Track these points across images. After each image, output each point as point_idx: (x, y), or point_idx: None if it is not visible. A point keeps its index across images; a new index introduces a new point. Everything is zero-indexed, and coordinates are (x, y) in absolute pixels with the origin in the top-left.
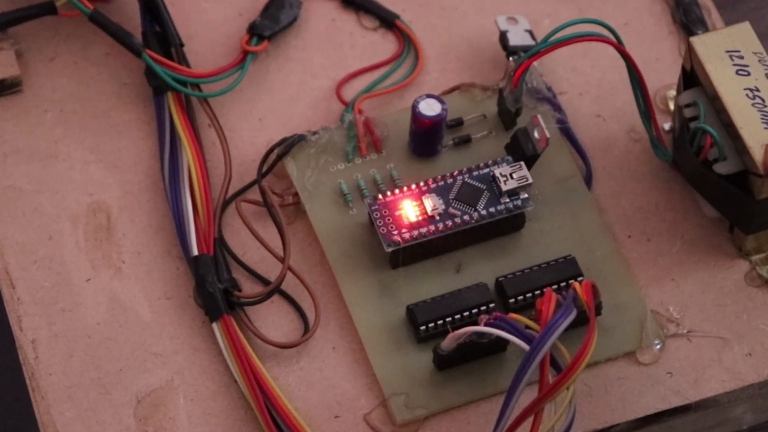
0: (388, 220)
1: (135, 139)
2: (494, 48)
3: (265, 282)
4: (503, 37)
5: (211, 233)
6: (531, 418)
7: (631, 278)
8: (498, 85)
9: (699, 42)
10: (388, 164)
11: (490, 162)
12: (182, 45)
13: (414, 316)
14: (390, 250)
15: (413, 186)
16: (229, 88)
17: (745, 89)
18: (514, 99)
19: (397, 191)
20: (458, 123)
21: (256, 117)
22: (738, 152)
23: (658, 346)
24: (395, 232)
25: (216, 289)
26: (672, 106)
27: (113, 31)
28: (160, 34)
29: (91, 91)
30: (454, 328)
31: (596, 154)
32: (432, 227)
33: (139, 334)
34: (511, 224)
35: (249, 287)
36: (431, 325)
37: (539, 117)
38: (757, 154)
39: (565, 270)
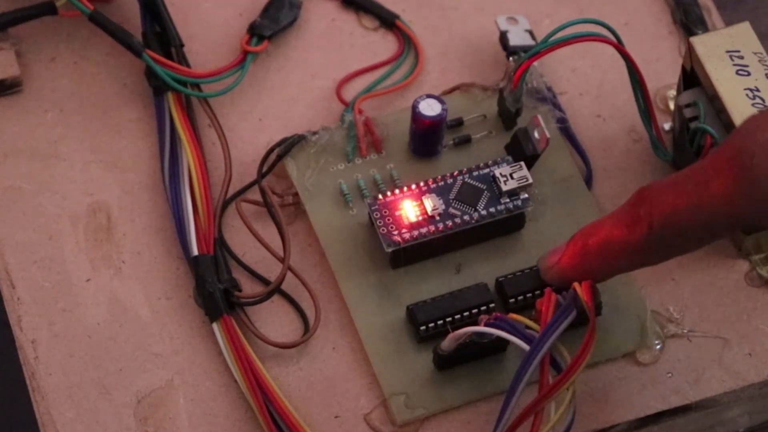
0: (389, 220)
1: (135, 139)
2: (494, 48)
3: (265, 282)
4: (503, 37)
5: (211, 233)
6: (531, 418)
7: (631, 278)
8: (498, 85)
9: (699, 42)
10: (388, 164)
11: (490, 162)
12: (182, 45)
13: (414, 316)
14: (390, 250)
15: (413, 186)
16: (229, 88)
17: (745, 89)
18: (514, 99)
19: (397, 191)
20: (458, 123)
21: (256, 117)
22: None
23: (658, 346)
24: (395, 233)
25: (216, 289)
26: (672, 106)
27: (113, 31)
28: (160, 34)
29: (91, 91)
30: (454, 328)
31: (596, 154)
32: (432, 227)
33: (139, 334)
34: (511, 224)
35: (249, 287)
36: (431, 325)
37: (539, 117)
38: None
39: None
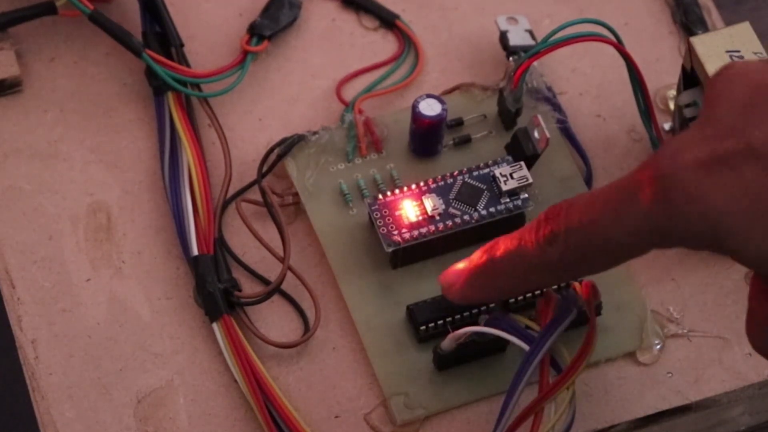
0: (388, 220)
1: (135, 139)
2: (494, 48)
3: (265, 282)
4: (503, 37)
5: (211, 233)
6: (531, 418)
7: (631, 278)
8: (498, 85)
9: (699, 42)
10: (388, 164)
11: (490, 162)
12: (182, 45)
13: (414, 316)
14: (390, 250)
15: (413, 186)
16: (229, 88)
17: None
18: (514, 99)
19: (397, 191)
20: (458, 123)
21: (256, 117)
22: None
23: (658, 346)
24: (395, 232)
25: (216, 289)
26: (672, 106)
27: (113, 31)
28: (160, 34)
29: (91, 91)
30: (454, 328)
31: (596, 154)
32: (432, 227)
33: (139, 334)
34: (511, 224)
35: (249, 287)
36: (431, 325)
37: (539, 117)
38: None
39: None
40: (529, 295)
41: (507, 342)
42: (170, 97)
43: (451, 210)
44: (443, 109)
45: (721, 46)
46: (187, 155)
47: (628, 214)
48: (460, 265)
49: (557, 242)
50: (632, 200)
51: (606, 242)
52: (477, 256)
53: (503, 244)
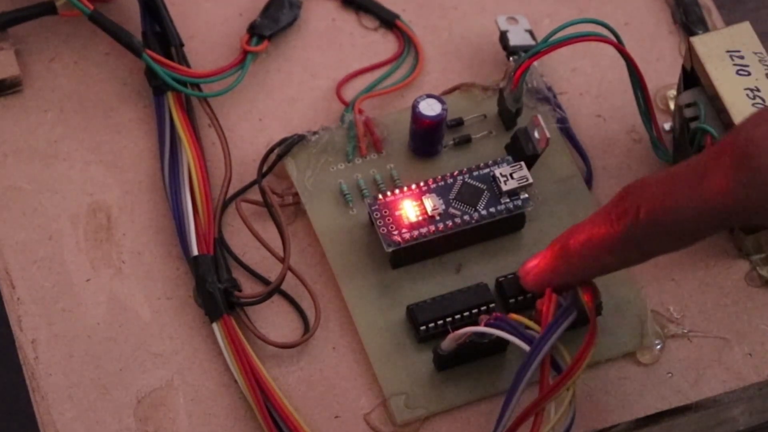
0: (389, 220)
1: (135, 139)
2: (494, 48)
3: (265, 282)
4: (503, 37)
5: (211, 233)
6: (531, 419)
7: (631, 278)
8: (498, 85)
9: (699, 42)
10: (388, 164)
11: (491, 162)
12: (182, 45)
13: (414, 316)
14: (390, 250)
15: (413, 186)
16: (229, 88)
17: (745, 89)
18: (515, 99)
19: (397, 191)
20: (458, 123)
21: (256, 117)
22: None
23: (659, 346)
24: (395, 232)
25: (216, 289)
26: (672, 106)
27: (113, 31)
28: (160, 34)
29: (91, 91)
30: (454, 328)
31: (596, 154)
32: (432, 227)
33: (139, 334)
34: (511, 224)
35: (249, 287)
36: (431, 325)
37: (539, 117)
38: None
39: None
40: (529, 295)
41: (507, 342)
42: (170, 97)
43: (451, 210)
44: (443, 109)
45: (721, 46)
46: (187, 155)
47: (704, 193)
48: (536, 256)
49: (626, 219)
50: (709, 178)
51: (679, 223)
52: (552, 242)
53: (576, 228)
